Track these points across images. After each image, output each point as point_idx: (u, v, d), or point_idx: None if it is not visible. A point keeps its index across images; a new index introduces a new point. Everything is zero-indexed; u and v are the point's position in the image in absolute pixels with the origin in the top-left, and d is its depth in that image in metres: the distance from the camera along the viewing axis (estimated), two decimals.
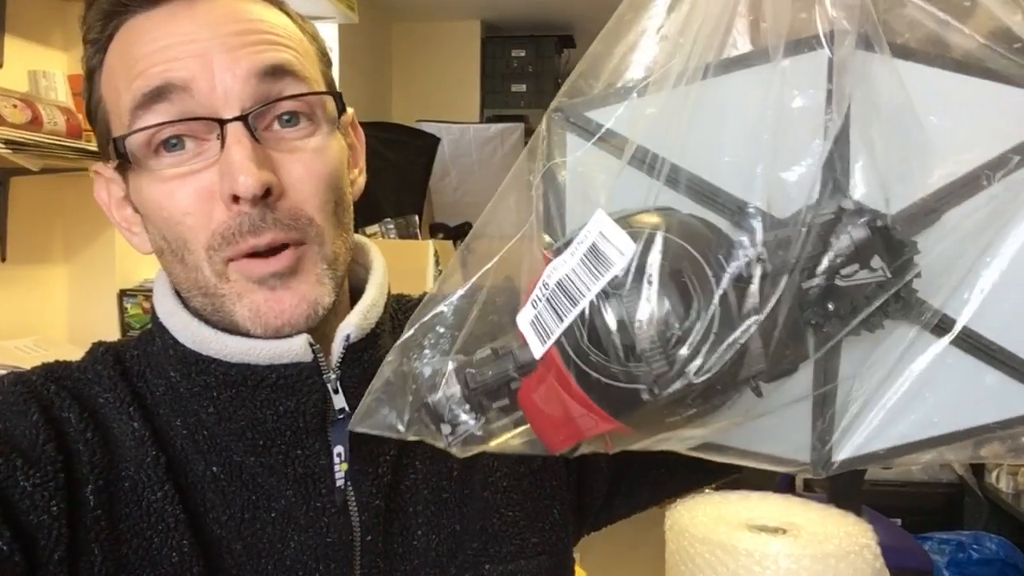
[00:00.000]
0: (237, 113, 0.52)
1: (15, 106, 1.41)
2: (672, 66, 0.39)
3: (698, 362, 0.35)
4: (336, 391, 0.57)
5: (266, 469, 0.57)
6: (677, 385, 0.35)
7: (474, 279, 0.43)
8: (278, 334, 0.55)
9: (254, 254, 0.54)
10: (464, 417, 0.42)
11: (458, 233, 3.52)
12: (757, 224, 0.37)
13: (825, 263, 0.36)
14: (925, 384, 0.42)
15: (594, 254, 0.36)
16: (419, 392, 0.43)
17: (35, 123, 1.44)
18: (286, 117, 0.55)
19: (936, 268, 0.40)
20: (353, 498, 0.59)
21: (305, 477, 0.57)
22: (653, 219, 0.36)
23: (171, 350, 0.57)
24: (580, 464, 0.68)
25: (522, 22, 4.24)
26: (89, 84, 0.58)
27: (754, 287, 0.35)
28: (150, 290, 1.95)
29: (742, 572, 1.39)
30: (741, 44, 0.39)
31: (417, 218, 2.69)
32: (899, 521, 2.55)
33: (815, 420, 0.43)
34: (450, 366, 0.42)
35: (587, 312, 0.36)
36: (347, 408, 0.57)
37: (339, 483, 0.58)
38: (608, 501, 0.70)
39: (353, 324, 0.58)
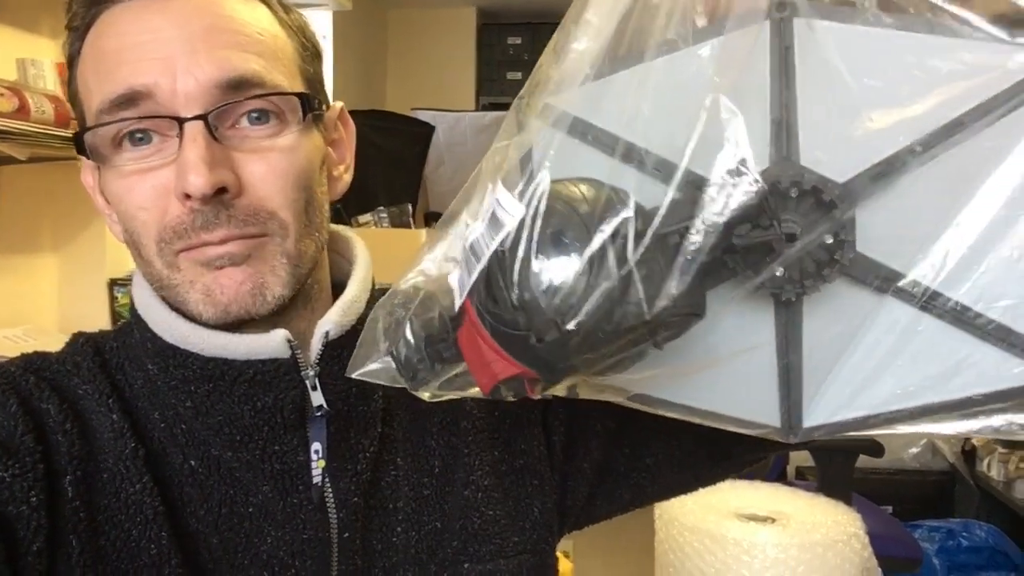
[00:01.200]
0: (198, 112, 0.52)
1: (1, 95, 1.40)
2: (591, 49, 0.43)
3: (572, 312, 0.39)
4: (315, 388, 0.57)
5: (243, 464, 0.57)
6: (555, 332, 0.39)
7: (436, 249, 0.48)
8: (226, 312, 0.54)
9: (206, 246, 0.54)
10: (418, 365, 0.47)
11: None
12: (630, 185, 0.41)
13: (705, 221, 0.39)
14: (897, 351, 0.42)
15: (493, 219, 0.42)
16: (388, 344, 0.49)
17: (22, 112, 1.43)
18: (255, 115, 0.54)
19: (892, 232, 0.40)
20: (331, 495, 0.59)
21: (282, 473, 0.57)
22: (547, 186, 0.41)
23: (149, 343, 0.57)
24: (563, 464, 0.68)
25: (518, 9, 4.21)
26: (70, 72, 0.58)
27: (622, 242, 0.39)
28: None
29: (730, 561, 1.40)
30: (699, 21, 0.42)
31: (410, 207, 2.68)
32: (890, 509, 2.56)
33: (781, 384, 0.44)
34: (407, 322, 0.47)
35: (485, 268, 0.41)
36: (325, 405, 0.57)
37: (316, 480, 0.58)
38: (590, 502, 0.70)
39: (332, 321, 0.58)
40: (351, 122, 0.66)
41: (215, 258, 0.54)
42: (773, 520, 1.40)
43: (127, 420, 0.57)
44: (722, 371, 0.45)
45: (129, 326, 0.61)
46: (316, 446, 0.58)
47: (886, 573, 1.63)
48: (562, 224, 0.39)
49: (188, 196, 0.52)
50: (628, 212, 0.39)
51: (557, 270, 0.39)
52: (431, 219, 3.44)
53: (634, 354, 0.42)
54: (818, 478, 2.20)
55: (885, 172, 0.40)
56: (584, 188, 0.41)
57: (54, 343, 0.63)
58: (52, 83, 1.64)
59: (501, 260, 0.41)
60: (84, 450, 0.55)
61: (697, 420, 0.47)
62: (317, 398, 0.57)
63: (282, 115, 0.56)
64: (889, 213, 0.41)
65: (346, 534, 0.59)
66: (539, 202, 0.40)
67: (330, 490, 0.59)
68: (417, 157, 3.36)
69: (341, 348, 0.58)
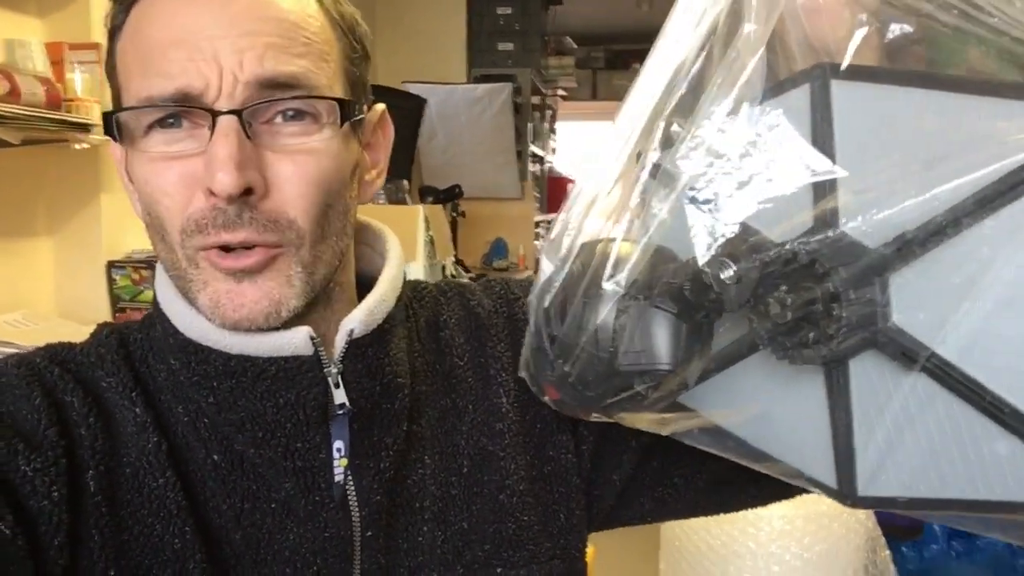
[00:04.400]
0: (233, 107, 0.51)
1: None
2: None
3: (567, 357, 0.46)
4: (337, 385, 0.56)
5: (266, 461, 0.56)
6: (560, 371, 0.47)
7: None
8: (236, 328, 0.54)
9: (224, 247, 0.53)
10: None
11: (448, 196, 3.48)
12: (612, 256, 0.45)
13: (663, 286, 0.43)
14: (934, 436, 0.40)
15: (541, 273, 0.49)
16: None
17: (13, 95, 1.40)
18: (290, 113, 0.53)
19: (917, 304, 0.38)
20: (353, 493, 0.58)
21: (304, 470, 0.57)
22: (576, 249, 0.47)
23: (171, 338, 0.57)
24: (590, 473, 0.68)
25: None
26: (110, 43, 0.57)
27: (594, 304, 0.45)
28: (139, 261, 1.92)
29: (736, 533, 1.42)
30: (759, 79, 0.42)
31: (406, 182, 2.65)
32: None
33: (835, 449, 0.43)
34: None
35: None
36: (347, 403, 0.56)
37: (338, 478, 0.58)
38: (612, 509, 0.70)
39: (357, 320, 0.57)
40: (390, 125, 0.65)
41: (232, 271, 0.53)
42: None
43: (150, 414, 0.56)
44: (789, 425, 0.45)
45: (152, 319, 0.61)
46: (338, 444, 0.57)
47: (889, 542, 1.64)
48: (568, 287, 0.46)
49: (213, 193, 0.51)
50: (608, 279, 0.44)
51: (560, 324, 0.46)
52: (426, 193, 3.41)
53: (642, 399, 0.45)
54: None
55: (913, 243, 0.38)
56: (601, 247, 0.45)
57: (53, 327, 0.63)
58: (42, 64, 1.61)
59: (537, 310, 0.49)
60: (107, 444, 0.55)
61: (759, 467, 0.48)
62: (339, 396, 0.56)
63: (318, 116, 0.54)
64: (917, 286, 0.38)
65: (369, 532, 0.59)
66: (567, 263, 0.47)
67: (352, 488, 0.58)
68: (409, 131, 3.32)
69: (366, 347, 0.57)
